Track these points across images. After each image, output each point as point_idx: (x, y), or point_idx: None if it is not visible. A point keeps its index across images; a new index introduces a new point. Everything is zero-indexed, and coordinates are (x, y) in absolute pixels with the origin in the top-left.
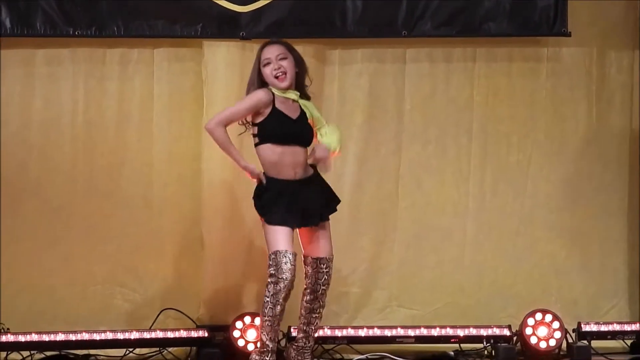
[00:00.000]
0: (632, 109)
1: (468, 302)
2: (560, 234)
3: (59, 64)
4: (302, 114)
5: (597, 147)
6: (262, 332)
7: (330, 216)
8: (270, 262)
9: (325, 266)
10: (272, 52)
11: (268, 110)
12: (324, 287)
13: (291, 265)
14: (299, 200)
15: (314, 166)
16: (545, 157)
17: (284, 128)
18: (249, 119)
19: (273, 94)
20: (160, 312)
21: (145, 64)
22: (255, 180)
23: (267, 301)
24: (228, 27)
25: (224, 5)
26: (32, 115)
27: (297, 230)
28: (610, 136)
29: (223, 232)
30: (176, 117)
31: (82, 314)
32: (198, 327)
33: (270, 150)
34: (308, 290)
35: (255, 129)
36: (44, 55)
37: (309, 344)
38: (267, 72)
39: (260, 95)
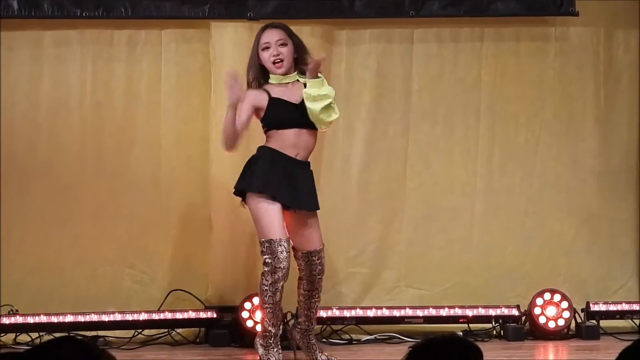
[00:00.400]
0: (639, 88)
1: (476, 282)
2: (568, 213)
3: (66, 46)
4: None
5: (605, 126)
6: (264, 319)
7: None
8: (264, 250)
9: (316, 257)
10: (272, 36)
11: (266, 104)
12: (319, 277)
13: (286, 253)
14: (294, 179)
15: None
16: (554, 137)
17: (285, 115)
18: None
19: (266, 90)
20: (169, 293)
21: (153, 45)
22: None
23: (266, 290)
24: (235, 7)
25: None
26: (41, 96)
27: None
28: (619, 115)
29: (231, 213)
30: (184, 99)
31: (91, 295)
32: (206, 308)
33: (275, 134)
34: (304, 281)
35: (262, 125)
36: (52, 37)
37: (312, 326)
38: (265, 56)
39: (251, 97)
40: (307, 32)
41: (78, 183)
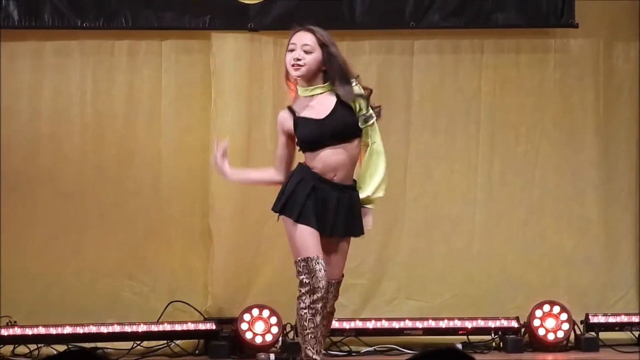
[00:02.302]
0: (639, 99)
1: (476, 293)
2: (568, 224)
3: (67, 56)
4: (338, 106)
5: (605, 137)
6: (305, 347)
7: None
8: (300, 270)
9: (333, 288)
10: (300, 39)
11: (292, 124)
12: (332, 304)
13: (324, 271)
14: (331, 205)
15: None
16: (554, 147)
17: (310, 135)
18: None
19: (292, 109)
20: (168, 304)
21: (154, 56)
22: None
23: (305, 313)
24: (236, 18)
25: None
26: (42, 106)
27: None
28: (618, 126)
29: (231, 224)
30: (185, 109)
31: (91, 306)
32: (206, 320)
33: (310, 155)
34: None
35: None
36: (53, 47)
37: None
38: (287, 58)
39: (279, 124)
40: None
41: (78, 192)
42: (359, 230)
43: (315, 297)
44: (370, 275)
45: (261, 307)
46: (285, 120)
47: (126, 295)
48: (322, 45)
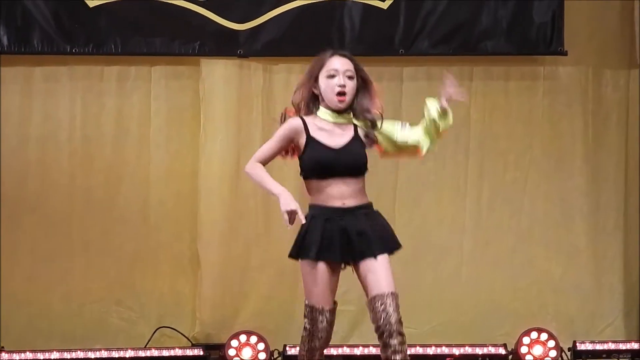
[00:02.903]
0: (627, 127)
1: (465, 320)
2: (556, 251)
3: (56, 81)
4: (354, 139)
5: (594, 165)
6: None
7: None
8: (306, 314)
9: (380, 303)
10: (341, 64)
11: (303, 141)
12: (387, 329)
13: (327, 324)
14: (344, 230)
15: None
16: (542, 175)
17: (322, 161)
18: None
19: (306, 126)
20: (156, 330)
21: (143, 81)
22: (288, 222)
23: (303, 355)
24: (226, 44)
25: (222, 23)
26: (31, 131)
27: (353, 269)
28: (607, 154)
29: (220, 250)
30: (174, 135)
31: (78, 331)
32: (193, 346)
33: (315, 183)
34: (377, 337)
35: (300, 170)
36: (42, 72)
37: None
38: (330, 84)
39: (289, 122)
40: (298, 70)
41: (67, 218)
42: (392, 244)
43: (313, 344)
44: (358, 301)
45: (249, 334)
46: (299, 131)
47: (114, 321)
48: (359, 71)
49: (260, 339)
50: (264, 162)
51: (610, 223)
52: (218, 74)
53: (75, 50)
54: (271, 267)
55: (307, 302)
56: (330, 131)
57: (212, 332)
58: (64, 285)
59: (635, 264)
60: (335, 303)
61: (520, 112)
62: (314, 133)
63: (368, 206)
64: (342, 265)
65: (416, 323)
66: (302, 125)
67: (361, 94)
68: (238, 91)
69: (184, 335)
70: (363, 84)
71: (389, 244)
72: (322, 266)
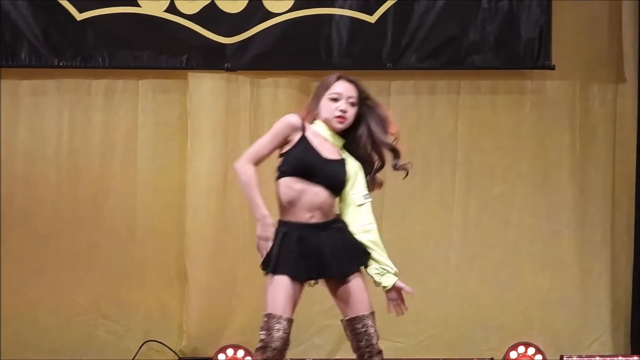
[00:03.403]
0: (615, 141)
1: (451, 334)
2: (543, 265)
3: (44, 95)
4: (342, 162)
5: (581, 179)
6: None
7: None
8: (262, 325)
9: (361, 325)
10: (346, 90)
11: (297, 137)
12: (368, 351)
13: (284, 333)
14: (313, 246)
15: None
16: (529, 189)
17: (308, 160)
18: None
19: (304, 126)
20: (143, 344)
21: (131, 95)
22: (261, 248)
23: None
24: (213, 58)
25: (209, 37)
26: (18, 146)
27: (326, 286)
28: (594, 168)
29: (207, 263)
30: (161, 148)
31: (66, 344)
32: (180, 359)
33: (289, 185)
34: (357, 356)
35: (280, 161)
36: (29, 86)
37: None
38: (330, 107)
39: (287, 119)
40: (284, 84)
41: (54, 232)
42: (347, 269)
43: (265, 356)
44: None
45: (236, 347)
46: (297, 128)
47: (101, 334)
48: (363, 99)
49: (248, 352)
50: (257, 162)
51: (598, 237)
52: (205, 87)
53: (62, 63)
54: (258, 281)
55: (264, 313)
56: (323, 142)
57: (199, 346)
58: (51, 299)
59: (622, 278)
60: (292, 320)
61: (508, 126)
62: (308, 134)
63: (337, 220)
64: (312, 282)
65: (403, 337)
66: (300, 123)
67: (373, 123)
68: (225, 105)
69: (171, 349)
70: (369, 110)
71: (362, 259)
72: (286, 279)
